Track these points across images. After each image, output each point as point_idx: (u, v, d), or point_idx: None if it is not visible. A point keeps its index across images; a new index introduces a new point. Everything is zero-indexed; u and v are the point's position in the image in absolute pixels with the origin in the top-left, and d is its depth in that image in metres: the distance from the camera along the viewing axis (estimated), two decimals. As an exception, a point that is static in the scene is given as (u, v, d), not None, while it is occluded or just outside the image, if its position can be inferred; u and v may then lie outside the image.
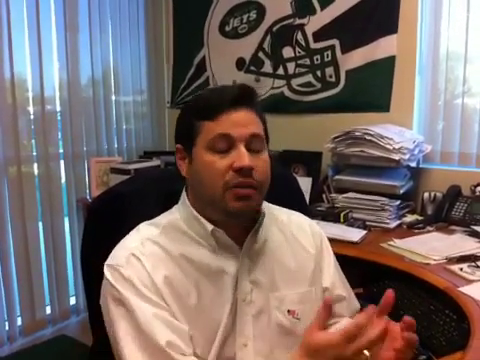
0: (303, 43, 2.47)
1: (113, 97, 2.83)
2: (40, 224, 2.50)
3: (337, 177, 2.11)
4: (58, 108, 2.54)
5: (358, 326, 0.73)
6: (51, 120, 2.50)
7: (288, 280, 0.95)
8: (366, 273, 1.57)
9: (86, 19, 2.61)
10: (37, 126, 2.43)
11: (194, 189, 0.92)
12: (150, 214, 0.96)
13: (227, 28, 2.78)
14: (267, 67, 2.63)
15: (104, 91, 2.76)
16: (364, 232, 1.80)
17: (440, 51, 2.09)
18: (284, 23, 2.53)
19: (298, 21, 2.48)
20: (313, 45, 2.44)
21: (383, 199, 1.93)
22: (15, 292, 2.39)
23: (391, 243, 1.67)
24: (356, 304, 1.07)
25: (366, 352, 0.77)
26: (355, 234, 1.76)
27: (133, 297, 0.82)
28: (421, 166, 2.13)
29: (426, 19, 2.12)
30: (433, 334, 1.15)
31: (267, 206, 0.98)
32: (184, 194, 0.95)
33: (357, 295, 1.09)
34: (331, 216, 1.95)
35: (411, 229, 1.86)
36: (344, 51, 2.33)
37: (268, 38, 2.61)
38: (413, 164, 2.02)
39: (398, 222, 1.93)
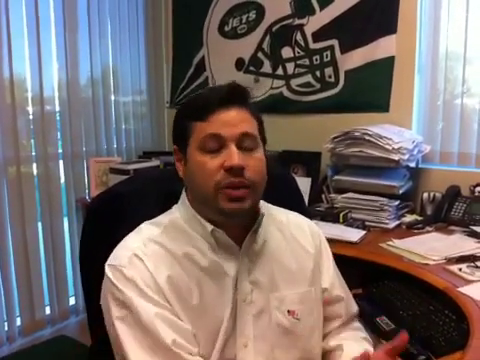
0: (302, 43, 2.47)
1: (112, 97, 2.83)
2: (39, 224, 2.50)
3: (336, 177, 2.11)
4: (57, 108, 2.54)
5: None
6: (50, 120, 2.49)
7: (288, 280, 0.95)
8: (365, 273, 1.57)
9: (85, 19, 2.61)
10: (36, 126, 2.43)
11: (190, 190, 0.93)
12: (149, 214, 0.96)
13: (226, 28, 2.78)
14: (266, 67, 2.63)
15: (103, 91, 2.76)
16: (363, 232, 1.80)
17: (439, 51, 2.09)
18: (283, 23, 2.53)
19: (297, 21, 2.48)
20: (312, 45, 2.44)
21: (382, 199, 1.93)
22: (14, 292, 2.39)
23: (390, 243, 1.67)
24: (353, 305, 1.07)
25: None
26: (354, 234, 1.76)
27: (136, 297, 0.82)
28: (420, 166, 2.13)
29: (425, 19, 2.12)
30: (432, 334, 1.15)
31: (266, 206, 0.98)
32: (184, 194, 0.96)
33: (356, 295, 1.09)
34: (330, 216, 1.95)
35: (410, 229, 1.86)
36: (343, 51, 2.33)
37: (267, 38, 2.61)
38: (412, 164, 2.02)
39: (397, 222, 1.93)
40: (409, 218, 1.97)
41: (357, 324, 1.07)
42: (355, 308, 1.07)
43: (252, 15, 2.66)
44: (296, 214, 1.08)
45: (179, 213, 0.94)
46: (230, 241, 0.90)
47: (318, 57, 2.43)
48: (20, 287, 2.40)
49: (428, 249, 1.56)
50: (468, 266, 1.41)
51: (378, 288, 1.47)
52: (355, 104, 2.32)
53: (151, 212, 0.97)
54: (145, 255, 0.86)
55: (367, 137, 1.95)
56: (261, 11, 2.61)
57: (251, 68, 2.70)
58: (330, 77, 2.40)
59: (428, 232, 1.81)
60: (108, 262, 0.87)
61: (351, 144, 2.01)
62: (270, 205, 1.02)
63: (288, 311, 0.93)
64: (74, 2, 2.54)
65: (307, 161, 2.39)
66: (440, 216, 1.88)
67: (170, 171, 1.06)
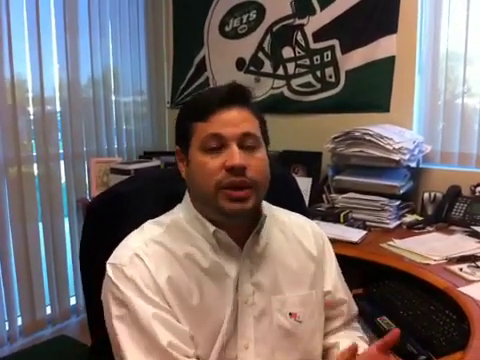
0: (303, 43, 2.47)
1: (113, 97, 2.83)
2: (40, 224, 2.50)
3: (337, 177, 2.11)
4: (58, 108, 2.54)
5: None
6: (51, 120, 2.49)
7: (290, 282, 0.95)
8: (366, 273, 1.57)
9: (86, 19, 2.61)
10: (37, 126, 2.43)
11: (192, 190, 0.93)
12: (150, 214, 0.96)
13: (227, 28, 2.78)
14: (267, 67, 2.63)
15: (104, 91, 2.76)
16: (364, 232, 1.80)
17: (440, 51, 2.09)
18: (284, 23, 2.53)
19: (298, 21, 2.48)
20: (313, 45, 2.44)
21: (383, 199, 1.93)
22: (15, 292, 2.39)
23: (391, 243, 1.67)
24: (354, 306, 1.07)
25: None
26: (355, 234, 1.76)
27: (135, 297, 0.82)
28: (421, 166, 2.13)
29: (426, 19, 2.12)
30: (433, 334, 1.15)
31: (268, 207, 0.97)
32: (187, 195, 0.96)
33: (357, 295, 1.09)
34: (331, 216, 1.95)
35: (411, 229, 1.86)
36: (344, 51, 2.33)
37: (268, 38, 2.61)
38: (413, 164, 2.02)
39: (398, 222, 1.93)
40: (410, 218, 1.97)
41: (356, 324, 1.07)
42: (355, 309, 1.07)
43: (252, 15, 2.66)
44: (298, 215, 1.07)
45: (182, 213, 0.94)
46: (232, 242, 0.89)
47: (319, 57, 2.43)
48: (21, 287, 2.40)
49: (429, 249, 1.56)
50: (469, 266, 1.41)
51: (379, 288, 1.47)
52: (356, 104, 2.32)
53: (151, 212, 0.97)
54: (146, 255, 0.86)
55: (368, 137, 1.95)
56: (261, 11, 2.62)
57: (252, 68, 2.70)
58: (331, 77, 2.40)
59: (429, 232, 1.81)
60: (109, 260, 0.87)
61: (352, 144, 2.01)
62: (272, 206, 1.02)
63: (290, 313, 0.93)
64: (75, 3, 2.54)
65: (308, 161, 2.39)
66: (441, 216, 1.88)
67: (171, 171, 1.06)
